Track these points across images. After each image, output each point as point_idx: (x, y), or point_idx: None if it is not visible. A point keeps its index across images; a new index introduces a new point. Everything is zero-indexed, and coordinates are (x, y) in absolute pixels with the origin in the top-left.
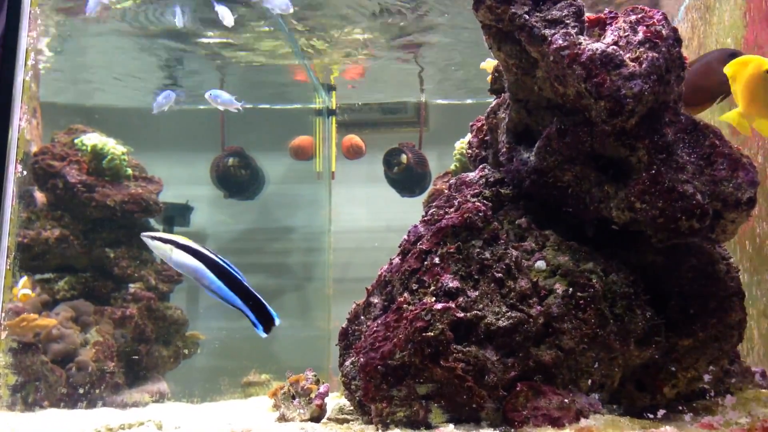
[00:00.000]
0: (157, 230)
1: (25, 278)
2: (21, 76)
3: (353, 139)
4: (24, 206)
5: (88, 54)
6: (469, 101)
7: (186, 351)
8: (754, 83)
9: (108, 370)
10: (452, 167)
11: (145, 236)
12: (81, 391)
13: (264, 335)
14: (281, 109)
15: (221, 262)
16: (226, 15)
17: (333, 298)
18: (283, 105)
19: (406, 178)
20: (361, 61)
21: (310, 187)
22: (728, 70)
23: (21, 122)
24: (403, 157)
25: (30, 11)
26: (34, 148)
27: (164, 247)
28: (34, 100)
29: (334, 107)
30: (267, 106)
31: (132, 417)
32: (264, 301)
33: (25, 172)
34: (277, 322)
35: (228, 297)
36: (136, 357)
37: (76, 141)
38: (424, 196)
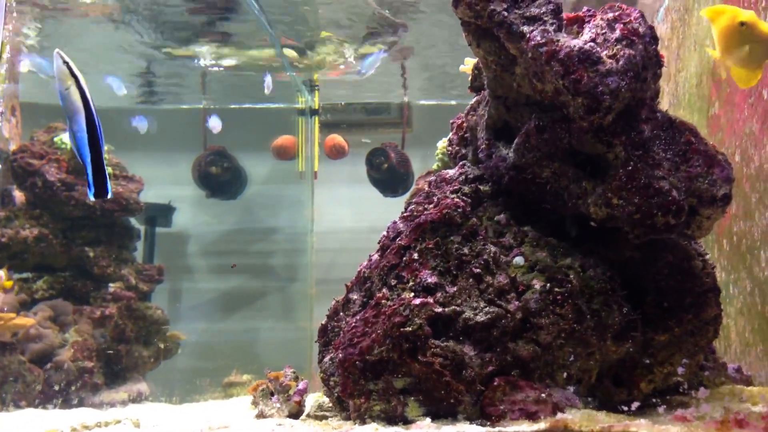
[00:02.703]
0: (139, 230)
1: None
2: None
3: (336, 139)
4: (2, 205)
5: (69, 52)
6: (452, 102)
7: (162, 347)
8: (728, 33)
9: (86, 370)
10: (434, 166)
11: (58, 54)
12: (58, 390)
13: (92, 198)
14: (264, 108)
15: (96, 121)
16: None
17: (315, 299)
18: (266, 104)
19: (389, 178)
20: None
21: (293, 187)
22: (706, 13)
23: None
24: (386, 158)
25: (6, 5)
26: (12, 147)
27: (66, 77)
28: (14, 99)
29: (317, 107)
30: (249, 105)
31: (109, 416)
32: (107, 174)
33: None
34: (110, 194)
35: (83, 149)
36: (111, 352)
37: (55, 139)
38: (407, 195)
